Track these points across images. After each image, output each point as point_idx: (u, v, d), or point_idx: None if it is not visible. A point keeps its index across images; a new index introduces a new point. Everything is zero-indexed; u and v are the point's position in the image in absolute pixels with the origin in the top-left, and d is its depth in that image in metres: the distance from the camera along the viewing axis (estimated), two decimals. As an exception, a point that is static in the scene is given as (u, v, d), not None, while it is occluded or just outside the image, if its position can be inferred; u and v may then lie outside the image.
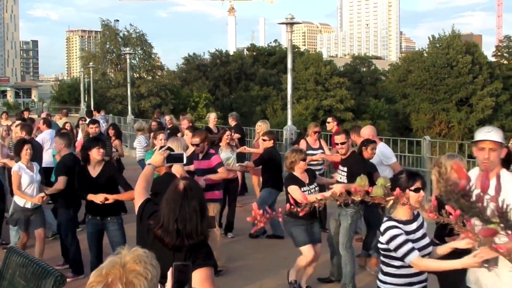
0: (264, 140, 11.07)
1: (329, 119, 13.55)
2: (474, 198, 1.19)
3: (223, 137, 11.48)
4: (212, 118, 16.35)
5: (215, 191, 9.10)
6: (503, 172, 4.62)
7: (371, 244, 9.12)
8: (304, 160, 7.83)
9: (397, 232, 4.48)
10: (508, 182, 4.21)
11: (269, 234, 11.06)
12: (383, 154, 9.35)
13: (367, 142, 8.62)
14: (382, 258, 4.74)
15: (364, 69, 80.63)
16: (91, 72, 51.15)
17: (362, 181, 1.71)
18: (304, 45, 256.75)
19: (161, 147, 5.03)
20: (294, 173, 7.75)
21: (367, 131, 9.94)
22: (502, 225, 1.15)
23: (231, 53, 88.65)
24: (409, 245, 4.44)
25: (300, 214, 1.68)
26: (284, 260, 9.56)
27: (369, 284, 8.31)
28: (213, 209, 8.68)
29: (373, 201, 1.50)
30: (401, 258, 4.49)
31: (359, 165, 8.10)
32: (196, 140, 9.17)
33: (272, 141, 11.07)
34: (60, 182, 8.82)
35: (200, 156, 9.17)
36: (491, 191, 1.13)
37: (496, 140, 4.46)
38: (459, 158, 5.56)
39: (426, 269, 4.62)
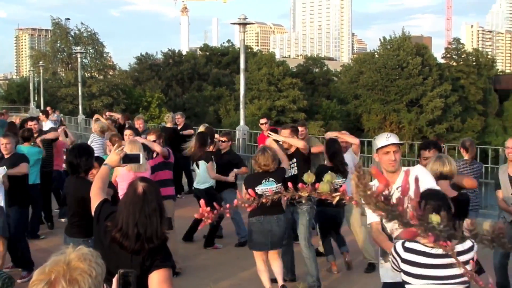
0: (223, 141, 10.95)
1: (262, 120, 13.61)
2: (394, 201, 1.19)
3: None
4: (171, 118, 15.76)
5: (169, 187, 9.04)
6: (412, 168, 5.18)
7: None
8: None
9: None
10: (421, 173, 4.88)
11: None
12: None
13: None
14: None
15: (317, 70, 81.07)
16: (41, 71, 50.38)
17: (309, 177, 1.72)
18: (257, 45, 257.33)
19: (117, 147, 5.00)
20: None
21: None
22: (422, 227, 1.16)
23: (184, 53, 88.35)
24: None
25: (248, 210, 1.67)
26: (236, 259, 9.58)
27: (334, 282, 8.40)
28: (169, 208, 8.67)
29: (320, 197, 1.51)
30: None
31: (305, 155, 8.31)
32: (153, 137, 9.18)
33: (230, 142, 11.06)
34: (24, 167, 8.71)
35: (155, 153, 9.14)
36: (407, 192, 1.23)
37: (398, 143, 5.02)
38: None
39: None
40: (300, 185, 1.49)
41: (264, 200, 1.52)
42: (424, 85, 67.79)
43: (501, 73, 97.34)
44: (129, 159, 5.03)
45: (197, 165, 10.45)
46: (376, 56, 73.75)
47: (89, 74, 65.20)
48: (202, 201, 1.70)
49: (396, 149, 4.99)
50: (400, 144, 5.10)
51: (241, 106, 17.56)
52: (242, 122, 17.11)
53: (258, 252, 7.67)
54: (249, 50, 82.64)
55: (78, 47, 48.10)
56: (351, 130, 66.26)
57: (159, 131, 9.81)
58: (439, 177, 5.61)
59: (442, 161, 5.79)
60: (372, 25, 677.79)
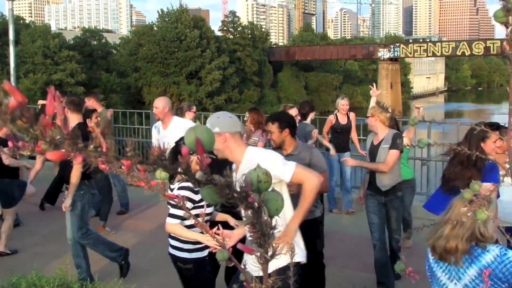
0: None
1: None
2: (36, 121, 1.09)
3: None
4: None
5: None
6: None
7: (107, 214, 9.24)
8: None
9: None
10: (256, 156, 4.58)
11: None
12: None
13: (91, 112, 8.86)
14: None
15: (95, 43, 79.06)
16: None
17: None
18: (31, 16, 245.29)
19: None
20: None
21: (163, 102, 9.45)
22: (71, 147, 1.06)
23: None
24: None
25: None
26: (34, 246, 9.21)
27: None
28: None
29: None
30: None
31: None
32: None
33: None
34: None
35: None
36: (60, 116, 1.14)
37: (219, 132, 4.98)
38: None
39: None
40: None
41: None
42: (202, 58, 69.03)
43: (274, 46, 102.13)
44: None
45: None
46: (155, 28, 73.66)
47: None
48: None
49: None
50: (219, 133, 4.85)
51: (12, 80, 16.76)
52: (13, 97, 16.34)
53: None
54: (22, 21, 78.60)
55: None
56: (132, 103, 65.93)
57: None
58: None
59: None
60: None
